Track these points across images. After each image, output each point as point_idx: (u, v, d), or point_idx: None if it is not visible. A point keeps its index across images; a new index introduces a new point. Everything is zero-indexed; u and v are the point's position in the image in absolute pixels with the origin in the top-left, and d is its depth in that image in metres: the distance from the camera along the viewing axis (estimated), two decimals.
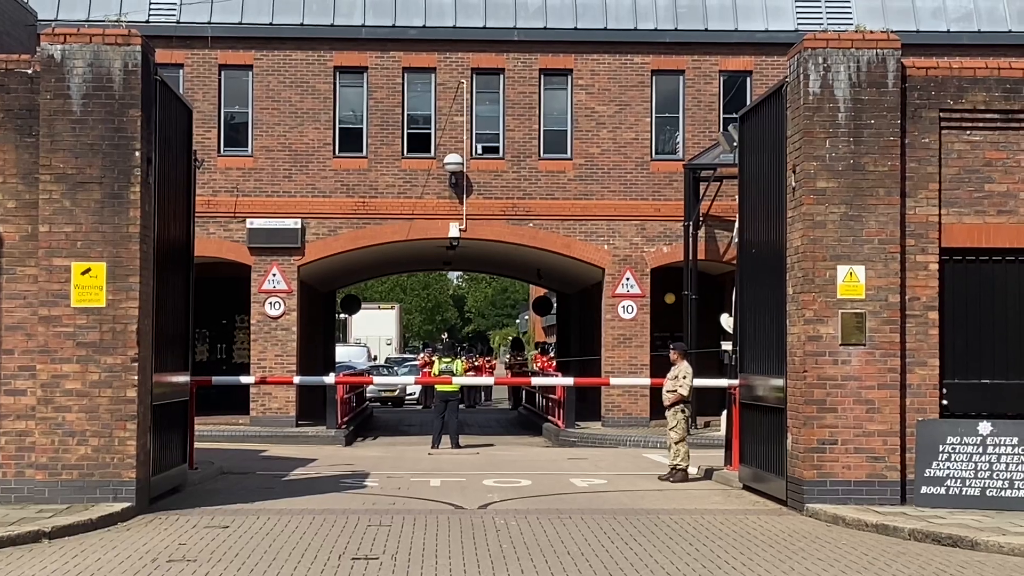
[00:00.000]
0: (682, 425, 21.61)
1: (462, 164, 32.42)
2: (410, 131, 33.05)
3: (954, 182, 17.13)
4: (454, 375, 29.36)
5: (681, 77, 33.19)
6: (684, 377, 21.83)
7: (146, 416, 16.84)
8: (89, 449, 16.29)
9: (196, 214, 21.59)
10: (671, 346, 22.70)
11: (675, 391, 21.80)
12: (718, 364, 30.21)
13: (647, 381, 25.13)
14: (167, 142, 18.03)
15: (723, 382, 22.49)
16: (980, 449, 16.54)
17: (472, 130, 33.02)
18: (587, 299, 39.91)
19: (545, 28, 33.01)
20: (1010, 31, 33.12)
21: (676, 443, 21.46)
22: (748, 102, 29.74)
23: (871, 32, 17.25)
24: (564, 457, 26.49)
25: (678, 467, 21.33)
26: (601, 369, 33.22)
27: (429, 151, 32.92)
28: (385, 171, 32.74)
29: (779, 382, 17.73)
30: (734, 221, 23.29)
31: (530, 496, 19.11)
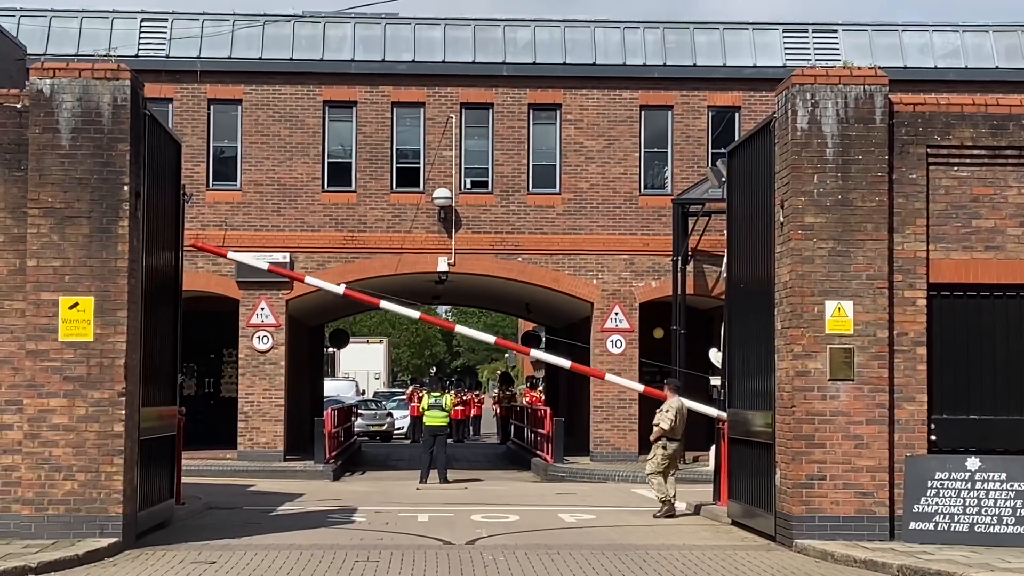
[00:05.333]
0: (657, 460, 21.45)
1: (451, 198, 32.45)
2: (399, 165, 33.07)
3: (942, 218, 17.16)
4: (443, 409, 29.35)
5: (670, 112, 33.28)
6: (666, 411, 21.64)
7: (133, 451, 16.76)
8: (76, 484, 16.20)
9: (184, 248, 21.56)
10: (664, 381, 22.50)
11: (658, 425, 21.69)
12: (706, 399, 30.12)
13: (640, 386, 24.93)
14: (156, 176, 18.00)
15: (712, 411, 22.20)
16: (969, 485, 16.50)
17: (461, 164, 33.06)
18: (576, 333, 39.87)
19: (534, 63, 33.10)
20: (997, 67, 33.30)
21: (648, 474, 21.36)
22: (736, 137, 29.82)
23: (859, 68, 17.28)
24: (552, 492, 26.42)
25: (661, 499, 21.18)
26: (590, 403, 33.18)
27: (418, 185, 32.95)
28: (374, 205, 32.75)
29: (767, 417, 17.71)
30: (723, 256, 23.29)
31: (518, 531, 19.04)
